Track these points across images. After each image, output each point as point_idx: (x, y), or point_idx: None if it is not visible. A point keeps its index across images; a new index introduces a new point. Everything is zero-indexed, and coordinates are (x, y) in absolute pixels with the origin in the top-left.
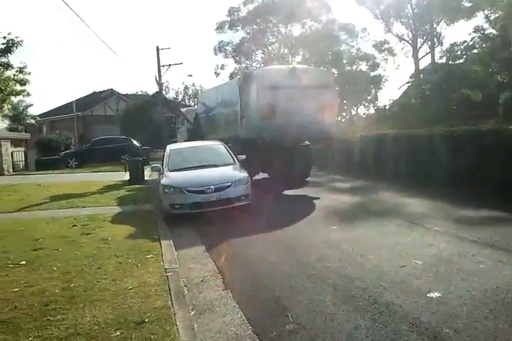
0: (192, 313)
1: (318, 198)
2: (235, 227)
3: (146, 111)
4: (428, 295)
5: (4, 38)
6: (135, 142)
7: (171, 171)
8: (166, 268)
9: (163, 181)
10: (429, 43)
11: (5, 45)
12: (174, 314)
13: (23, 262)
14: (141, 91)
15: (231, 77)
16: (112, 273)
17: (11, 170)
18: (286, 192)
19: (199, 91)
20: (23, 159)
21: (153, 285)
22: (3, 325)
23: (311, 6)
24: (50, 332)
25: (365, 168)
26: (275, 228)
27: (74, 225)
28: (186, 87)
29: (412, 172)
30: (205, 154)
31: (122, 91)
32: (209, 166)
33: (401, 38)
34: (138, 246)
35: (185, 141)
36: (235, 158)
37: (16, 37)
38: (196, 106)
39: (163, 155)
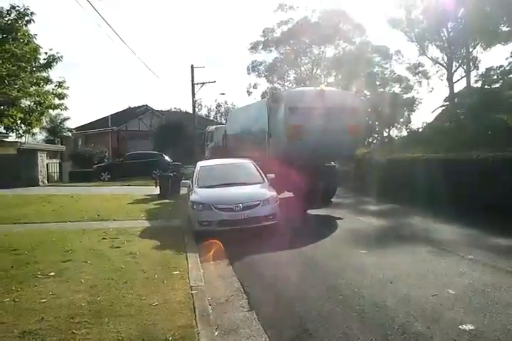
0: (216, 333)
1: (346, 220)
2: (262, 247)
3: (179, 127)
4: (460, 327)
5: (46, 53)
6: (166, 157)
7: (200, 188)
8: (191, 286)
9: (192, 197)
10: (464, 67)
11: (46, 60)
12: (198, 333)
13: (52, 273)
14: (175, 108)
15: (263, 96)
16: (138, 288)
17: (46, 181)
18: (314, 213)
19: (230, 109)
20: (58, 171)
21: (178, 302)
22: (29, 336)
23: (345, 28)
24: None
25: (396, 191)
26: (303, 249)
27: (103, 238)
28: (219, 105)
29: (444, 198)
30: (234, 172)
31: (156, 108)
32: (238, 184)
33: (436, 61)
34: (165, 262)
35: (213, 158)
36: (265, 177)
37: (57, 53)
38: (225, 124)
39: (193, 171)
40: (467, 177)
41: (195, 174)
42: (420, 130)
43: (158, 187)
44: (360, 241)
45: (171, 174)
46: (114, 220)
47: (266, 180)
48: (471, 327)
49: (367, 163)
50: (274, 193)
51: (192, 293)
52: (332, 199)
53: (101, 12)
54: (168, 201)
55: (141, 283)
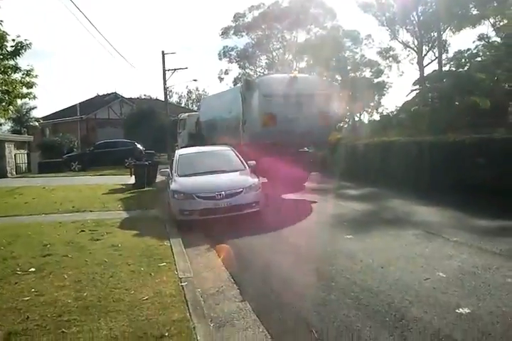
0: (211, 326)
1: (328, 205)
2: (246, 234)
3: (150, 115)
4: (457, 310)
5: (13, 40)
6: (139, 146)
7: (180, 176)
8: (180, 278)
9: (173, 186)
10: (434, 51)
11: (13, 48)
12: (194, 328)
13: (33, 269)
14: (145, 95)
15: (235, 82)
16: (125, 282)
17: (14, 173)
18: (293, 198)
19: (202, 96)
20: (26, 161)
21: (169, 295)
22: (17, 337)
23: (316, 13)
24: None
25: (373, 175)
26: (288, 236)
27: (82, 230)
28: (190, 92)
29: (422, 180)
30: (215, 159)
31: (126, 95)
32: (219, 172)
33: (406, 45)
34: (149, 254)
35: (186, 145)
36: (246, 164)
37: (25, 40)
38: (198, 112)
39: (172, 160)
40: (444, 160)
41: (174, 162)
42: (393, 114)
43: (133, 177)
44: (344, 226)
45: (146, 163)
46: (91, 211)
47: (247, 167)
48: (468, 311)
49: (342, 148)
50: (256, 180)
51: (182, 285)
52: (310, 185)
53: None
54: (144, 190)
55: (128, 276)
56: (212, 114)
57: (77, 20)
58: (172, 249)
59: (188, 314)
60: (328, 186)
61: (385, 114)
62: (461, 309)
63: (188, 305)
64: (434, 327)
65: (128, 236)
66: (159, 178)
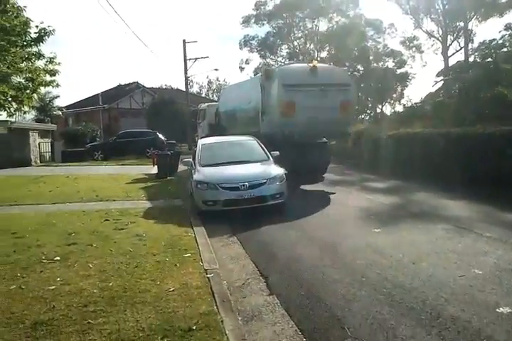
0: (239, 320)
1: (353, 198)
2: (272, 226)
3: (171, 105)
4: (497, 310)
5: (36, 26)
6: (160, 136)
7: (203, 166)
8: (206, 269)
9: (196, 177)
10: (459, 40)
11: (37, 34)
12: (222, 321)
13: (58, 257)
14: (166, 85)
15: (255, 71)
16: (150, 273)
17: (38, 161)
18: (319, 190)
19: (222, 86)
20: (50, 150)
21: (195, 287)
22: (43, 327)
23: (339, 1)
24: (92, 337)
25: (398, 168)
26: (315, 229)
27: (106, 219)
28: (210, 82)
29: (448, 173)
30: (238, 149)
31: (147, 85)
32: (242, 162)
33: (431, 35)
34: (174, 244)
35: (206, 135)
36: (269, 154)
37: (48, 26)
38: (218, 102)
39: (195, 149)
40: (473, 152)
41: (197, 152)
42: (416, 105)
43: (156, 166)
44: (371, 220)
45: (169, 152)
46: (114, 201)
47: (271, 157)
48: (509, 310)
49: (366, 139)
50: (280, 171)
51: (208, 277)
52: (334, 177)
53: None
54: (166, 180)
55: (153, 267)
56: (231, 104)
57: (101, 8)
58: (196, 240)
59: (215, 307)
60: (352, 178)
61: (408, 105)
62: (501, 308)
63: (214, 298)
64: (474, 326)
65: (152, 226)
66: (181, 168)
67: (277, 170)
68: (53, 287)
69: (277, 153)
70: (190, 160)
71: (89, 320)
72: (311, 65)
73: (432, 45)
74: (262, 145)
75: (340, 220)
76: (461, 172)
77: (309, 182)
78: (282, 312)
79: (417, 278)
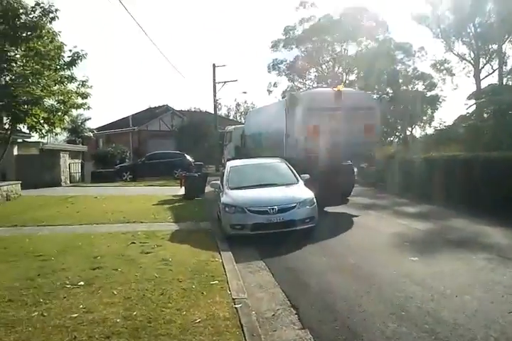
0: None
1: (386, 223)
2: (301, 251)
3: (200, 127)
4: None
5: (70, 51)
6: (188, 157)
7: (231, 189)
8: (234, 298)
9: (224, 200)
10: (491, 63)
11: (70, 58)
12: None
13: (82, 282)
14: (195, 108)
15: (283, 94)
16: (176, 301)
17: (68, 182)
18: (351, 215)
19: (250, 109)
20: (80, 171)
21: (222, 318)
22: None
23: (368, 25)
24: None
25: (431, 192)
26: (347, 256)
27: (132, 242)
28: (238, 104)
29: (485, 198)
30: (267, 172)
31: (176, 107)
32: (271, 185)
33: (462, 58)
34: (201, 270)
35: (232, 158)
36: (299, 177)
37: (81, 50)
38: (244, 125)
39: (223, 172)
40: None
41: (225, 174)
42: (447, 127)
43: (183, 188)
44: (407, 247)
45: (196, 174)
46: (141, 223)
47: (300, 180)
48: None
49: (397, 162)
50: (310, 195)
51: (236, 308)
52: (365, 201)
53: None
54: (193, 201)
55: (179, 294)
56: (257, 127)
57: (132, 30)
58: (224, 266)
59: None
60: (384, 202)
61: (440, 127)
62: None
63: (243, 331)
64: None
65: (178, 250)
66: (208, 189)
67: (307, 194)
68: (76, 315)
69: (307, 176)
70: (218, 182)
71: None
72: (335, 89)
73: (464, 68)
74: (291, 168)
75: (374, 247)
76: (499, 198)
77: (337, 205)
78: None
79: (462, 312)
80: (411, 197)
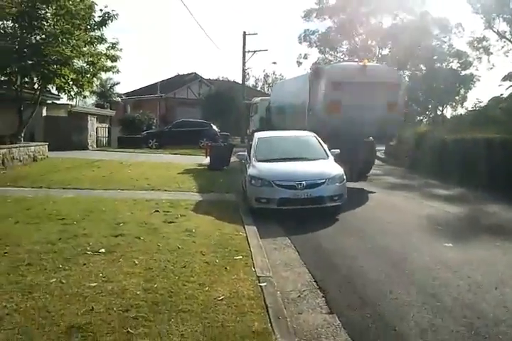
0: None
1: (415, 205)
2: (328, 230)
3: (227, 97)
4: None
5: (101, 10)
6: (214, 127)
7: (258, 161)
8: (258, 276)
9: (251, 172)
10: None
11: (101, 18)
12: None
13: (103, 250)
14: (223, 77)
15: (312, 67)
16: (199, 276)
17: (95, 146)
18: (376, 196)
19: (278, 80)
20: (107, 135)
21: (246, 297)
22: (78, 333)
23: None
24: None
25: (464, 174)
26: (377, 237)
27: (156, 211)
28: (266, 75)
29: None
30: (296, 145)
31: (205, 76)
32: (300, 159)
33: (502, 36)
34: (224, 243)
35: (257, 129)
36: (329, 152)
37: (112, 10)
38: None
39: (250, 143)
40: None
41: (252, 146)
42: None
43: (208, 158)
44: (440, 232)
45: (222, 144)
46: (165, 191)
47: (330, 155)
48: None
49: (429, 141)
50: (340, 171)
51: (261, 286)
52: (395, 180)
53: None
54: (218, 172)
55: (202, 268)
56: (281, 100)
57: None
58: (248, 240)
59: (269, 325)
60: (413, 183)
61: (474, 108)
62: None
63: (268, 313)
64: None
65: (202, 221)
66: (233, 160)
67: (337, 170)
68: (95, 284)
69: (337, 151)
70: (245, 153)
71: (129, 329)
72: (361, 63)
73: (503, 47)
74: (322, 142)
75: (405, 229)
76: None
77: (355, 182)
78: (345, 337)
79: (503, 307)
80: (442, 178)
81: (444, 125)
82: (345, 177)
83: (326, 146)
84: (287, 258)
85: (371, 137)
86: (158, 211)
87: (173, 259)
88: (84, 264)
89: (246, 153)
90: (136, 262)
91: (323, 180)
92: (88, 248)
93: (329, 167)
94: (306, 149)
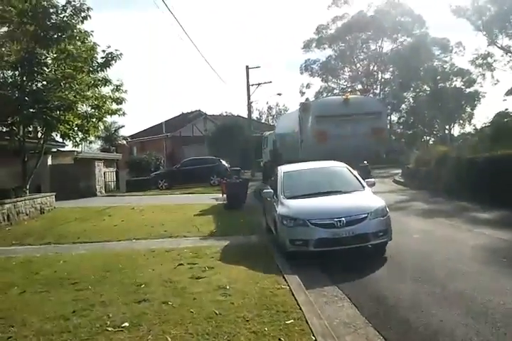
0: None
1: (462, 233)
2: (381, 275)
3: (234, 132)
4: None
5: (103, 51)
6: (224, 162)
7: (288, 198)
8: None
9: (281, 211)
10: None
11: (104, 59)
12: None
13: (126, 324)
14: (226, 112)
15: (316, 95)
16: None
17: (103, 191)
18: (416, 225)
19: (282, 112)
20: (115, 179)
21: None
22: None
23: (404, 21)
24: None
25: (498, 194)
26: (441, 279)
27: (179, 264)
28: (270, 107)
29: None
30: (326, 178)
31: (209, 112)
32: (333, 193)
33: (507, 51)
34: (268, 302)
35: (268, 161)
36: (364, 183)
37: (116, 50)
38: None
39: (275, 178)
40: None
41: (278, 181)
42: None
43: (223, 195)
44: (506, 265)
45: (238, 180)
46: (185, 237)
47: (366, 186)
48: None
49: (451, 162)
50: (382, 203)
51: None
52: (423, 206)
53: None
54: (236, 211)
55: None
56: (283, 132)
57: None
58: (294, 295)
59: None
60: (447, 207)
61: (486, 124)
62: None
63: None
64: None
65: (234, 274)
66: (249, 197)
67: (379, 202)
68: None
69: (373, 180)
70: (270, 190)
71: None
72: (344, 97)
73: (509, 61)
74: (354, 172)
75: (469, 267)
76: None
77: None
78: None
79: None
80: (474, 200)
81: (463, 143)
82: (387, 209)
83: (359, 176)
84: (345, 316)
85: (366, 161)
86: (182, 264)
87: (212, 331)
88: None
89: (270, 190)
90: (169, 339)
91: (365, 215)
92: (108, 322)
93: (369, 199)
94: (338, 181)
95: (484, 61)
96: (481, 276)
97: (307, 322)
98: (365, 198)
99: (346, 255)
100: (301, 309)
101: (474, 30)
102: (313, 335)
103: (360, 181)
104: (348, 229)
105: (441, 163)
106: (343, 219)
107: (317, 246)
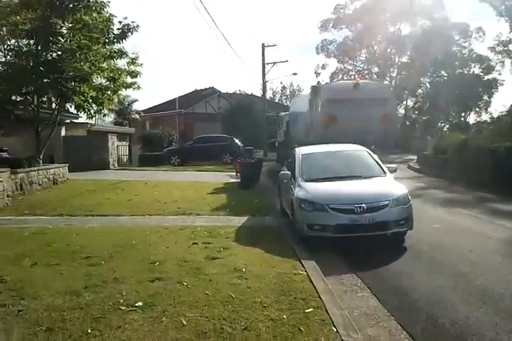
0: None
1: (486, 226)
2: (402, 265)
3: (248, 111)
4: None
5: (120, 22)
6: (237, 141)
7: (306, 181)
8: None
9: (299, 194)
10: None
11: (120, 30)
12: None
13: (140, 303)
14: (240, 91)
15: (331, 76)
16: None
17: (116, 165)
18: (436, 215)
19: (296, 92)
20: (127, 153)
21: None
22: None
23: (424, 4)
24: None
25: None
26: (466, 273)
27: (194, 243)
28: (284, 87)
29: None
30: (346, 161)
31: (223, 90)
32: (353, 177)
33: None
34: (286, 288)
35: (281, 141)
36: (385, 168)
37: (132, 22)
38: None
39: (292, 160)
40: None
41: (296, 163)
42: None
43: (236, 174)
44: None
45: (252, 160)
46: (198, 215)
47: (388, 172)
48: None
49: (472, 150)
50: (405, 190)
51: None
52: (442, 195)
53: None
54: (250, 191)
55: (269, 330)
56: (295, 115)
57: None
58: (312, 282)
59: None
60: (467, 197)
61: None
62: None
63: None
64: None
65: (250, 256)
66: (262, 176)
67: (401, 189)
68: None
69: (394, 166)
70: (288, 172)
71: None
72: (354, 81)
73: None
74: (376, 157)
75: (493, 260)
76: None
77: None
78: None
79: None
80: (495, 190)
81: (478, 131)
82: (409, 197)
83: (380, 161)
84: (366, 307)
85: (373, 146)
86: (196, 243)
87: (229, 316)
88: (119, 327)
89: (287, 172)
90: (184, 322)
91: (387, 202)
92: (121, 300)
93: (391, 185)
94: (358, 165)
95: (505, 48)
96: (506, 271)
97: (327, 312)
98: (387, 184)
99: (364, 242)
100: (320, 297)
101: (497, 15)
102: (334, 326)
103: (381, 166)
104: (368, 215)
105: (460, 150)
106: (364, 205)
107: (336, 232)
